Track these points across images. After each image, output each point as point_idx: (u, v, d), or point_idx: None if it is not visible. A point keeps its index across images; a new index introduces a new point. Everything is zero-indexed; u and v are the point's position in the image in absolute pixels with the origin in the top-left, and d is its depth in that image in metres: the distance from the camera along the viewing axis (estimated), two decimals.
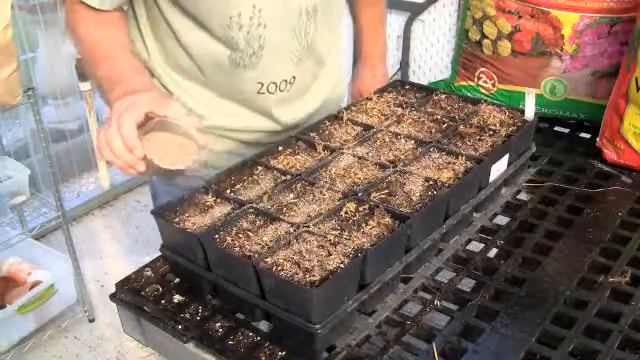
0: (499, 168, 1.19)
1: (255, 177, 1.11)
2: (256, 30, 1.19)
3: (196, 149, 1.00)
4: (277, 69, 1.27)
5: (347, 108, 1.33)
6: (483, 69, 1.58)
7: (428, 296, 1.01)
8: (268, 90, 1.28)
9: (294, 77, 1.30)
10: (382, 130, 1.23)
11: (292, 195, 1.05)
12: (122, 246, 2.89)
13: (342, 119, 1.28)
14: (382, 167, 1.11)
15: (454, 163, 1.12)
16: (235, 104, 1.30)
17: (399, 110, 1.32)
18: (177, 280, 1.05)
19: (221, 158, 1.26)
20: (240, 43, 1.20)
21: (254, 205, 1.01)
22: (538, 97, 1.47)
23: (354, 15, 1.54)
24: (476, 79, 1.60)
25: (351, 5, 1.52)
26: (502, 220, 1.20)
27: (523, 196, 1.27)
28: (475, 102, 1.35)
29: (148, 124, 0.99)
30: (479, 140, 1.20)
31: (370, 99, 1.37)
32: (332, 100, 1.46)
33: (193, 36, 1.21)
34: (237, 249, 0.93)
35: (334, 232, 0.94)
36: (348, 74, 1.61)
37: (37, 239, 2.54)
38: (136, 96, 1.02)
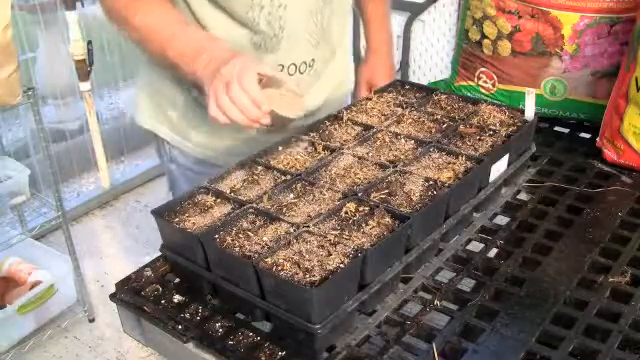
0: (499, 168, 1.19)
1: (255, 177, 1.11)
2: (277, 11, 1.22)
3: (300, 99, 1.14)
4: (296, 51, 1.30)
5: (347, 108, 1.33)
6: (483, 69, 1.58)
7: (428, 296, 1.01)
8: (288, 72, 1.31)
9: (313, 60, 1.34)
10: (382, 130, 1.23)
11: (292, 195, 1.05)
12: (122, 246, 2.89)
13: (342, 119, 1.28)
14: (382, 167, 1.11)
15: (454, 163, 1.12)
16: None
17: (399, 110, 1.32)
18: (177, 280, 1.05)
19: (245, 145, 1.31)
20: (261, 24, 1.23)
21: (254, 205, 1.01)
22: (538, 97, 1.47)
23: (361, 9, 1.57)
24: (476, 79, 1.60)
25: (357, 0, 1.54)
26: (502, 220, 1.20)
27: (523, 196, 1.27)
28: (475, 102, 1.35)
29: (261, 82, 1.09)
30: (479, 140, 1.20)
31: (370, 99, 1.37)
32: (336, 98, 1.47)
33: (215, 20, 1.24)
34: (237, 249, 0.93)
35: (334, 232, 0.94)
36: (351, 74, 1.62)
37: (37, 239, 2.54)
38: (240, 60, 1.09)
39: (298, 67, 1.32)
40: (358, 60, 1.62)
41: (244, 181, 1.10)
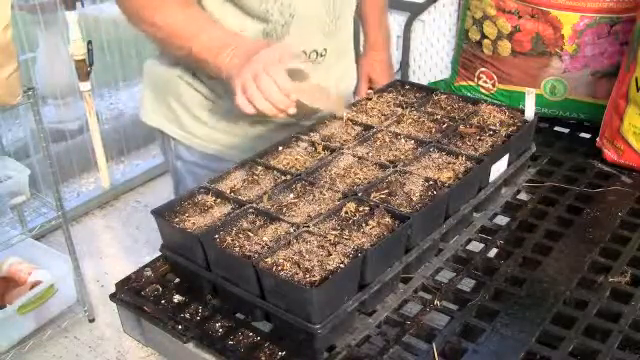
0: (499, 168, 1.19)
1: (255, 177, 1.11)
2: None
3: (323, 91, 1.19)
4: (307, 37, 1.31)
5: (347, 108, 1.33)
6: (483, 69, 1.58)
7: (428, 296, 1.01)
8: None
9: (325, 49, 1.35)
10: (382, 130, 1.23)
11: (292, 195, 1.05)
12: (122, 246, 2.89)
13: (342, 119, 1.28)
14: (382, 167, 1.11)
15: (454, 163, 1.12)
16: None
17: (399, 110, 1.32)
18: (177, 280, 1.05)
19: (252, 141, 1.33)
20: (274, 14, 1.24)
21: (254, 205, 1.01)
22: (538, 97, 1.47)
23: (359, 15, 1.59)
24: (476, 79, 1.60)
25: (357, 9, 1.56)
26: (502, 220, 1.20)
27: (523, 196, 1.27)
28: (475, 102, 1.35)
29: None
30: (479, 140, 1.20)
31: (370, 99, 1.37)
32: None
33: (226, 14, 1.25)
34: (237, 249, 0.93)
35: (334, 232, 0.94)
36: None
37: (37, 239, 2.54)
38: (267, 51, 1.12)
39: (308, 54, 1.33)
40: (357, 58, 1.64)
41: (244, 181, 1.10)
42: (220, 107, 1.36)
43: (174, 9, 1.21)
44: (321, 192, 1.05)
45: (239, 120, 1.36)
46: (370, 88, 1.59)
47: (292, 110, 1.12)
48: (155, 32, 1.24)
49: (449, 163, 1.13)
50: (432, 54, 2.86)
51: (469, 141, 1.20)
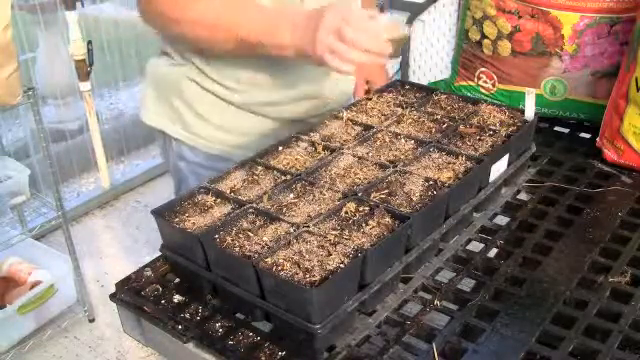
0: (499, 168, 1.19)
1: (255, 177, 1.11)
2: None
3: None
4: None
5: (347, 108, 1.33)
6: (483, 69, 1.58)
7: (428, 296, 1.01)
8: None
9: None
10: (382, 130, 1.23)
11: (292, 195, 1.05)
12: (122, 246, 2.89)
13: (342, 119, 1.28)
14: (382, 167, 1.11)
15: (454, 163, 1.12)
16: (276, 75, 1.32)
17: (399, 110, 1.32)
18: (177, 280, 1.05)
19: (256, 140, 1.34)
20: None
21: (254, 205, 1.01)
22: (538, 97, 1.47)
23: None
24: (476, 79, 1.60)
25: None
26: (502, 220, 1.20)
27: (523, 196, 1.27)
28: (475, 102, 1.35)
29: None
30: (479, 140, 1.20)
31: (370, 99, 1.37)
32: (341, 97, 1.48)
33: None
34: (237, 249, 0.93)
35: (334, 232, 0.95)
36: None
37: (37, 239, 2.54)
38: (335, 8, 1.10)
39: None
40: None
41: (244, 181, 1.10)
42: (230, 105, 1.36)
43: (202, 2, 1.19)
44: (321, 192, 1.05)
45: (250, 117, 1.36)
46: (367, 91, 1.59)
47: (389, 49, 1.10)
48: (188, 29, 1.21)
49: (449, 163, 1.13)
50: (432, 54, 2.85)
51: (469, 141, 1.20)
